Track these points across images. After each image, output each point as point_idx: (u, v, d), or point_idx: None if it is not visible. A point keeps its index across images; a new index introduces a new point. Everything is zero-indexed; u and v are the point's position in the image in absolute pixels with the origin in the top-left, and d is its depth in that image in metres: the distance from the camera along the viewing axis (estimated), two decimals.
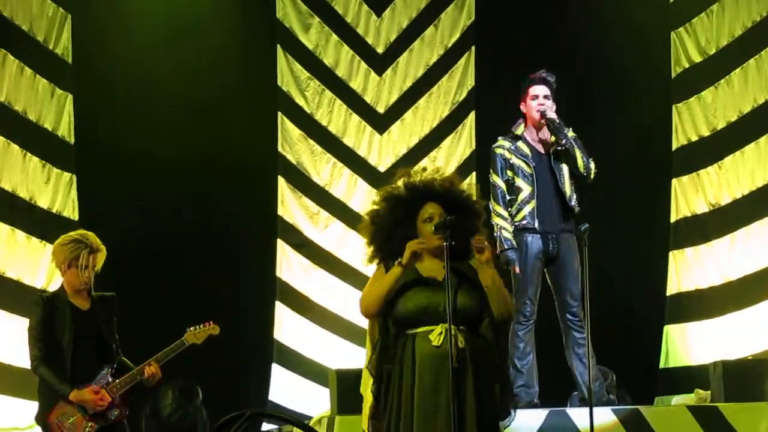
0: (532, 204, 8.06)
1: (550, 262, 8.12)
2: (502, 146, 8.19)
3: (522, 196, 8.08)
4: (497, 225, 8.00)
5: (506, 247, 8.00)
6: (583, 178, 8.14)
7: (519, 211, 8.08)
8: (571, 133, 8.16)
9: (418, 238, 5.57)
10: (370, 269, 5.73)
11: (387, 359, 5.47)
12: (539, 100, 8.14)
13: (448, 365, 5.29)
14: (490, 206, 7.92)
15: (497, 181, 8.13)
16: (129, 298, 7.13)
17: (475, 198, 5.73)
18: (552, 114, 8.09)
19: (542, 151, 8.17)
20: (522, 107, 8.25)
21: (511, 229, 8.06)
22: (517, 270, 7.98)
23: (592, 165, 8.15)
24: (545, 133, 8.19)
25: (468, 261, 5.63)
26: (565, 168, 8.12)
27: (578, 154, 8.08)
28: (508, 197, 8.11)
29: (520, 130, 8.22)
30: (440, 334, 5.40)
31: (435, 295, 5.45)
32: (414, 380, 5.41)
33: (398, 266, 5.49)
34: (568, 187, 8.11)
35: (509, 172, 8.13)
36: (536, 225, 8.03)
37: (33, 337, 6.68)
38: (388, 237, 5.58)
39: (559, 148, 8.09)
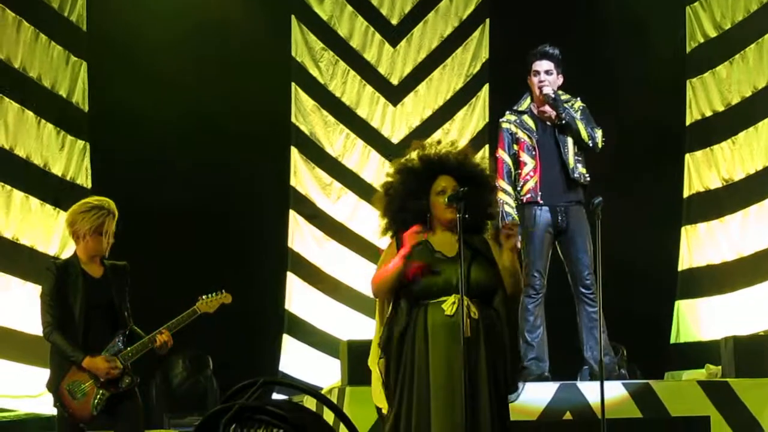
0: (536, 178, 8.09)
1: (559, 235, 8.13)
2: (509, 120, 8.24)
3: (526, 170, 8.12)
4: (500, 200, 8.00)
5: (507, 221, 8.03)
6: (589, 148, 8.15)
7: (524, 185, 8.10)
8: (578, 104, 8.18)
9: (431, 210, 5.57)
10: (382, 241, 5.73)
11: (397, 332, 5.48)
12: (540, 76, 8.18)
13: (460, 335, 5.30)
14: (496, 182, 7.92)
15: (504, 156, 8.17)
16: (141, 266, 7.12)
17: (488, 172, 5.75)
18: (548, 89, 8.10)
19: (548, 123, 8.17)
20: (528, 81, 8.26)
21: (514, 204, 8.10)
22: (518, 244, 7.97)
23: (599, 134, 8.14)
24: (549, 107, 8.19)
25: (482, 234, 5.64)
26: (569, 140, 8.13)
27: (581, 126, 8.09)
28: (513, 172, 8.13)
29: (525, 104, 8.25)
30: (453, 303, 5.41)
31: (448, 268, 5.45)
32: (427, 349, 5.42)
33: (401, 260, 5.46)
34: (571, 159, 8.12)
35: (515, 146, 8.15)
36: (539, 199, 8.04)
37: (46, 304, 6.65)
38: (401, 209, 5.59)
39: (560, 122, 8.10)
